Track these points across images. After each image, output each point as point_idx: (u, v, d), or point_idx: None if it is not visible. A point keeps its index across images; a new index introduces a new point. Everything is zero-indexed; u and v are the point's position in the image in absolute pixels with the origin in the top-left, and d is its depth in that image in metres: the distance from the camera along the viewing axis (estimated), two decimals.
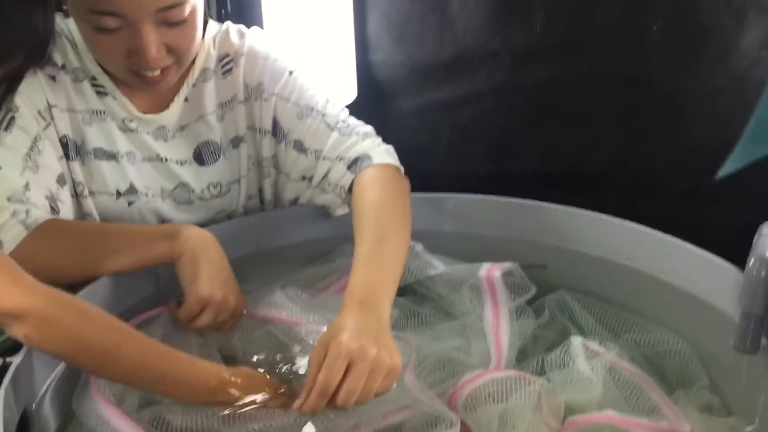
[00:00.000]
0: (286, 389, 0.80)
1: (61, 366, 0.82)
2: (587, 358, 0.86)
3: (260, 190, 1.09)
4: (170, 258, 0.87)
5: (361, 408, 0.74)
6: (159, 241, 0.88)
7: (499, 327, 0.90)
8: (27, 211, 0.85)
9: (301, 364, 0.85)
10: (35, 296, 0.71)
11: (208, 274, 0.86)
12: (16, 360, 0.75)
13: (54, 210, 0.89)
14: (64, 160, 0.95)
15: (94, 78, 0.96)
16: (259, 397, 0.77)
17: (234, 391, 0.76)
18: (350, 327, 0.76)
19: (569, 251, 1.02)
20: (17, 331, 0.71)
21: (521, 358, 0.90)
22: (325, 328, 0.83)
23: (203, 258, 0.87)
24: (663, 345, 0.89)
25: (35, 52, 0.70)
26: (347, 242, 1.01)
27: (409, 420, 0.76)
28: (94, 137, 0.96)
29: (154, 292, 0.94)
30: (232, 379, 0.77)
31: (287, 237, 1.06)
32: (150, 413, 0.76)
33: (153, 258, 0.88)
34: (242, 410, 0.75)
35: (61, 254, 0.85)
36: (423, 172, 1.03)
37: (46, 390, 0.80)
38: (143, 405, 0.78)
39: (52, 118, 0.93)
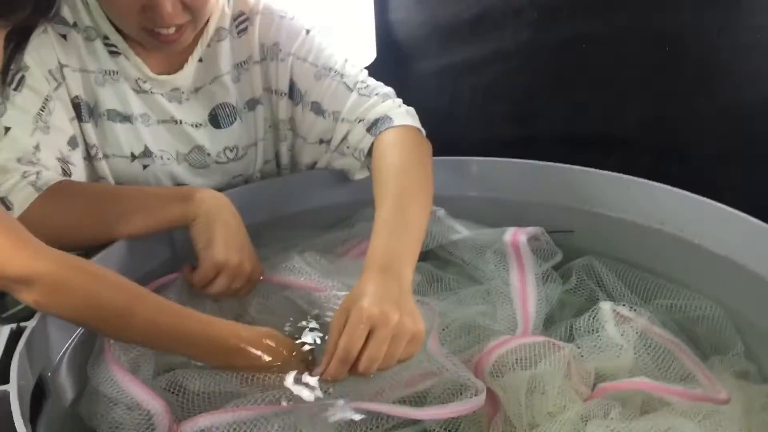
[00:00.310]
0: (305, 354, 0.78)
1: (78, 332, 0.80)
2: (617, 324, 0.83)
3: (277, 154, 1.06)
4: (184, 221, 0.85)
5: (383, 374, 0.72)
6: (173, 203, 0.85)
7: (526, 292, 0.88)
8: (38, 173, 0.83)
9: (321, 331, 0.82)
10: (44, 260, 0.69)
11: (224, 239, 0.84)
12: (30, 325, 0.74)
13: (66, 172, 0.87)
14: (76, 121, 0.92)
15: (106, 37, 0.93)
16: (279, 360, 0.75)
17: (253, 352, 0.74)
18: (371, 292, 0.74)
19: (597, 215, 0.99)
20: (26, 297, 0.69)
21: (548, 324, 0.87)
22: (344, 294, 0.80)
23: (218, 221, 0.84)
24: (695, 310, 0.86)
25: (43, 4, 0.68)
26: (367, 207, 0.98)
27: (434, 387, 0.74)
28: (108, 98, 0.94)
29: (169, 258, 0.92)
30: (252, 338, 0.75)
31: (305, 202, 1.03)
32: (166, 380, 0.74)
33: (167, 221, 0.85)
34: (261, 374, 0.72)
35: (72, 217, 0.83)
36: (444, 136, 0.99)
37: (62, 357, 0.78)
38: (159, 372, 0.76)
39: (64, 78, 0.90)
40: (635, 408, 0.74)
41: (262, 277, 0.88)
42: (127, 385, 0.71)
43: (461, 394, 0.73)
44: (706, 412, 0.71)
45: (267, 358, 0.75)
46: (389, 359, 0.72)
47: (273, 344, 0.76)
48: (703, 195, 0.90)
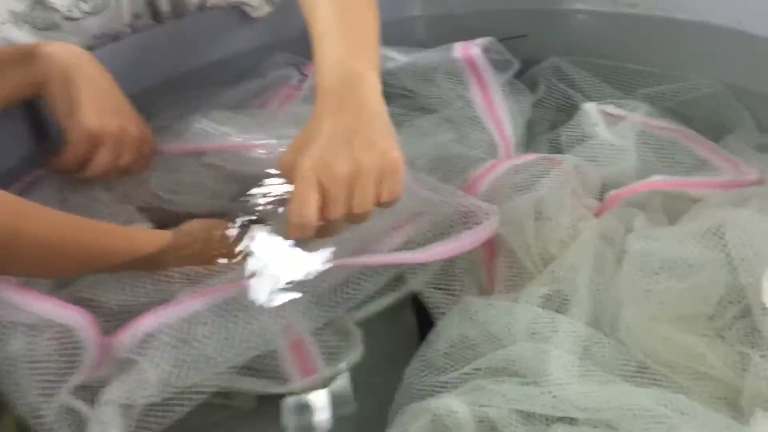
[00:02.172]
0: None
1: None
2: (608, 125, 0.69)
3: (151, 3, 0.83)
4: (32, 87, 0.65)
5: (360, 228, 0.55)
6: (13, 66, 0.65)
7: (495, 109, 0.73)
8: None
9: (260, 196, 0.64)
10: None
11: (92, 99, 0.64)
12: None
13: None
14: None
15: None
16: (220, 248, 0.58)
17: (185, 250, 0.57)
18: (320, 136, 0.53)
19: (555, 12, 0.84)
20: None
21: (525, 143, 0.73)
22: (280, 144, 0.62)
23: (80, 78, 0.64)
24: (690, 92, 0.73)
25: None
26: (278, 51, 0.81)
27: (416, 235, 0.58)
28: None
29: (32, 149, 0.70)
30: (182, 238, 0.57)
31: (198, 55, 0.82)
32: (67, 295, 0.55)
33: (9, 92, 0.65)
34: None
35: None
36: None
37: None
38: (60, 285, 0.57)
39: None
40: (658, 212, 0.61)
41: (159, 148, 0.69)
42: (25, 300, 0.52)
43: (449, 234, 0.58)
44: (744, 197, 0.59)
45: (204, 251, 0.58)
46: (360, 210, 0.54)
47: (207, 234, 0.59)
48: None
